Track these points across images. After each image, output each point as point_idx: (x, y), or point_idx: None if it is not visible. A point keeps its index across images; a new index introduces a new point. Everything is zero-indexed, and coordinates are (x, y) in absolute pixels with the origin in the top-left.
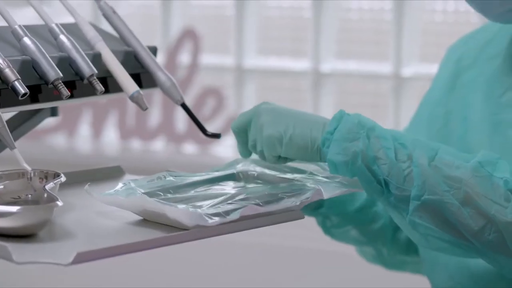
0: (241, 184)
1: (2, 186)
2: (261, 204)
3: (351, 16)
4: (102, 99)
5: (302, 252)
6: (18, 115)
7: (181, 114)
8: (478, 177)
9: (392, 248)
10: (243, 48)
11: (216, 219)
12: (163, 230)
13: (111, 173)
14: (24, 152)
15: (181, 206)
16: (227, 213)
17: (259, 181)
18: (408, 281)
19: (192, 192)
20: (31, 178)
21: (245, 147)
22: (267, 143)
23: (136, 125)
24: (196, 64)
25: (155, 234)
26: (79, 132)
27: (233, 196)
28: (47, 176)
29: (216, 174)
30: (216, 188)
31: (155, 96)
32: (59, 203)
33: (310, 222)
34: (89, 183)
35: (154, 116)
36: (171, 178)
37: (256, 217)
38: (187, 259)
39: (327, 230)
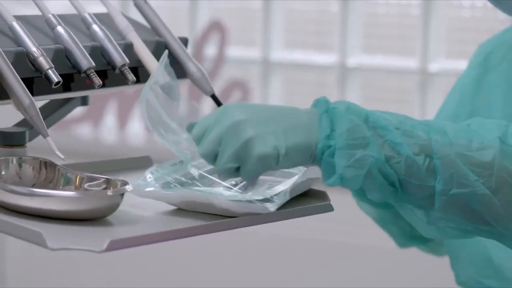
0: None
1: (4, 172)
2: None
3: (378, 11)
4: (132, 89)
5: (329, 245)
6: (49, 103)
7: (206, 105)
8: (508, 156)
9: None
10: (269, 41)
11: (268, 204)
12: (195, 218)
13: (141, 164)
14: (44, 141)
15: (227, 194)
16: (278, 197)
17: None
18: (432, 274)
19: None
20: (21, 165)
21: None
22: (261, 163)
23: None
24: (222, 56)
25: (187, 223)
26: (104, 123)
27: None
28: (40, 164)
29: None
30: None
31: (180, 88)
32: (129, 187)
33: (338, 215)
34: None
35: (180, 108)
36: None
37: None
38: (216, 248)
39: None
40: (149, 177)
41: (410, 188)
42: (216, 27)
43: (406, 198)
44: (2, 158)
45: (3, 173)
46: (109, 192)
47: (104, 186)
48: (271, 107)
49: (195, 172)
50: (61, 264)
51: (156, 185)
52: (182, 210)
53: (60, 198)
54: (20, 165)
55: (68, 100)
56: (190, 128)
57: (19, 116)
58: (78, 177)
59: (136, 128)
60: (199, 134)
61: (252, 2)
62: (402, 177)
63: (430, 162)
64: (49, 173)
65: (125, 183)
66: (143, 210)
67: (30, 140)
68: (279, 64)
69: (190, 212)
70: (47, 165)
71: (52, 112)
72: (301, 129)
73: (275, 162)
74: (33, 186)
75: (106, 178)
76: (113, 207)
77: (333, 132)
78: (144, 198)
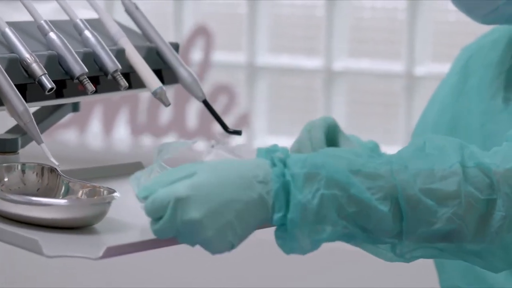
0: None
1: (6, 179)
2: None
3: (364, 15)
4: (119, 95)
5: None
6: (41, 110)
7: (192, 111)
8: (470, 180)
9: None
10: (255, 45)
11: None
12: None
13: (132, 170)
14: (36, 147)
15: None
16: None
17: None
18: (418, 280)
19: None
20: (24, 171)
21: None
22: (219, 254)
23: (147, 121)
24: (208, 61)
25: None
26: (90, 129)
27: None
28: (43, 170)
29: None
30: None
31: (167, 93)
32: (117, 194)
33: None
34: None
35: (165, 113)
36: None
37: None
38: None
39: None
40: None
41: (375, 233)
42: (202, 31)
43: (371, 240)
44: (6, 164)
45: (5, 179)
46: (95, 201)
47: (96, 194)
48: (222, 182)
49: None
50: (55, 268)
51: None
52: None
53: (46, 206)
54: (23, 171)
55: (59, 106)
56: (144, 197)
57: (12, 123)
58: (76, 184)
59: (122, 133)
60: (153, 212)
61: (238, 7)
62: (365, 225)
63: (396, 206)
64: (51, 179)
65: (113, 191)
66: (136, 217)
67: (22, 146)
68: (265, 68)
69: None
70: (49, 171)
71: (43, 119)
72: (255, 207)
73: (230, 250)
74: (38, 191)
75: (100, 186)
76: (100, 215)
77: (287, 211)
78: None
